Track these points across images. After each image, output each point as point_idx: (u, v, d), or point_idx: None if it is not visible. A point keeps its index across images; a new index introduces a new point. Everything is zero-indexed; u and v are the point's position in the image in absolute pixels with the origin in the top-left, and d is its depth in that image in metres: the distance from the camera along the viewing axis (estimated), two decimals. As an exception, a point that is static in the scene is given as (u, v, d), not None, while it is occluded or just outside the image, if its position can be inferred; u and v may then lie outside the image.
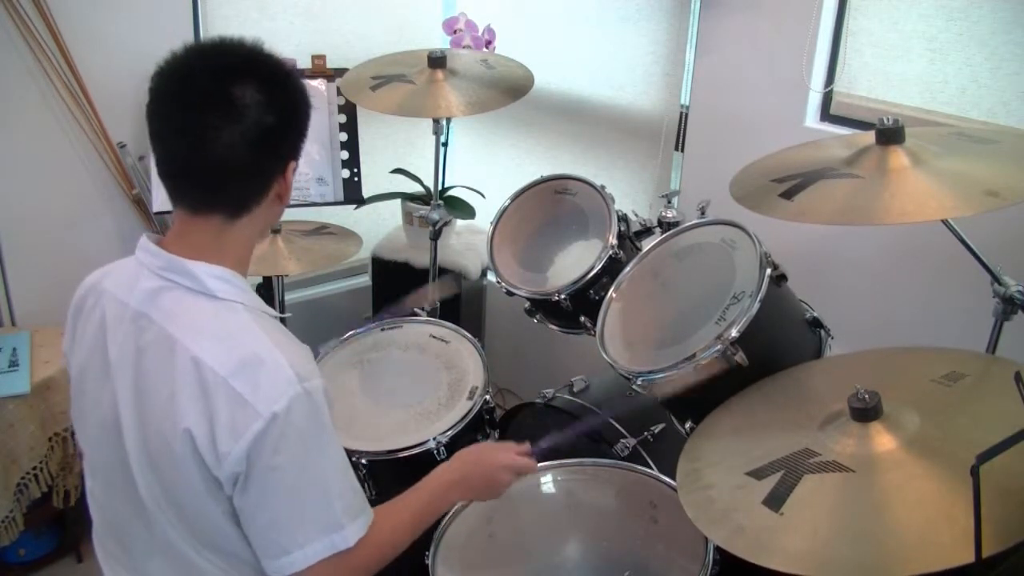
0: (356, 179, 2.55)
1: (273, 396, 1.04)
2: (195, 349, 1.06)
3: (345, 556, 1.10)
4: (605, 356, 1.66)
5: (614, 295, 1.77)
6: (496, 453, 1.37)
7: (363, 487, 1.78)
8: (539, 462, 1.45)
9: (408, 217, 2.92)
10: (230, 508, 1.10)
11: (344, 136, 2.53)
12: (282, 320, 2.44)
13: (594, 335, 1.73)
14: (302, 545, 1.08)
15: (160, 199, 2.35)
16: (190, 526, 1.12)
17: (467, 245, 2.95)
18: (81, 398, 1.20)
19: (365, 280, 3.18)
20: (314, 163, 2.50)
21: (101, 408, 1.15)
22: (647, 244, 1.84)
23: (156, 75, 1.10)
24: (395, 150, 3.12)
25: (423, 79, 2.22)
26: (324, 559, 1.09)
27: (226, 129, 1.06)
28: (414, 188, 2.94)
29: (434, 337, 2.09)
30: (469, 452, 1.38)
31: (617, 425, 1.83)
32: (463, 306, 2.87)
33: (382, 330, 2.13)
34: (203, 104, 1.07)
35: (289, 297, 2.74)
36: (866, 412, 1.18)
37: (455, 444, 1.83)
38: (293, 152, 1.16)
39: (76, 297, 1.23)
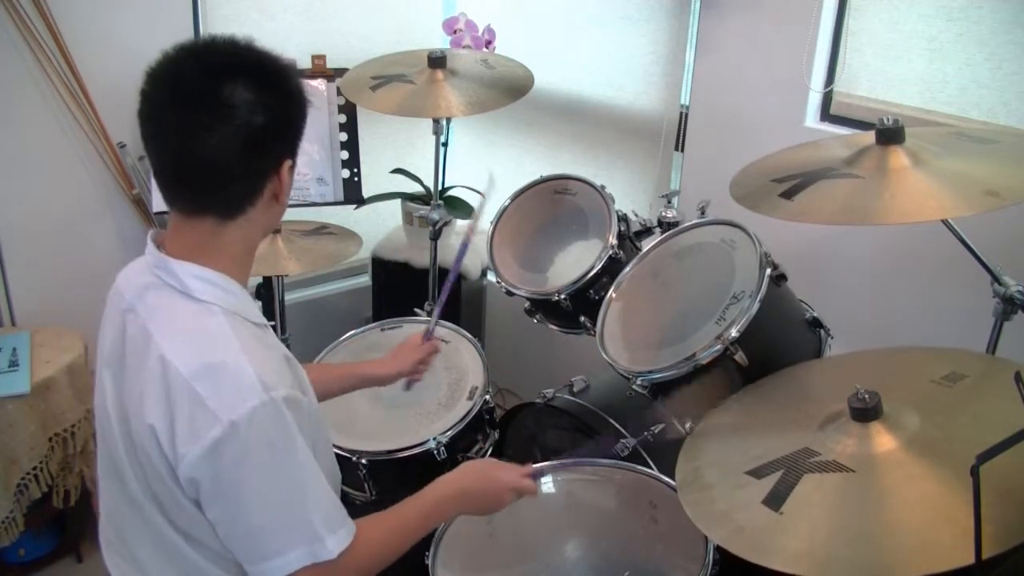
0: (356, 179, 2.54)
1: (234, 404, 1.03)
2: (164, 347, 1.06)
3: (329, 567, 1.09)
4: (605, 356, 1.66)
5: (614, 295, 1.77)
6: (501, 472, 1.36)
7: (363, 487, 1.80)
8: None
9: (408, 217, 2.92)
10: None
11: (344, 136, 2.53)
12: (280, 325, 2.45)
13: (594, 335, 1.73)
14: (282, 552, 1.07)
15: (160, 199, 2.34)
16: (172, 519, 1.12)
17: (467, 245, 2.95)
18: (95, 390, 1.22)
19: (365, 280, 3.18)
20: (314, 163, 2.50)
21: (98, 399, 1.18)
22: (647, 244, 1.84)
23: (147, 76, 1.09)
24: (395, 150, 3.12)
25: (423, 79, 2.22)
26: (306, 567, 1.08)
27: (215, 129, 1.05)
28: (414, 188, 2.94)
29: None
30: (473, 465, 1.38)
31: (617, 425, 1.83)
32: (463, 306, 2.87)
33: (382, 330, 2.13)
34: (192, 104, 1.06)
35: (289, 297, 2.74)
36: (866, 412, 1.18)
37: (455, 444, 1.83)
38: (289, 151, 1.14)
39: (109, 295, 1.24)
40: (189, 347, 1.07)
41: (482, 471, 1.36)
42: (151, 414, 1.05)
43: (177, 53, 1.09)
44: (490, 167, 1.83)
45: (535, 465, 1.41)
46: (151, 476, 1.10)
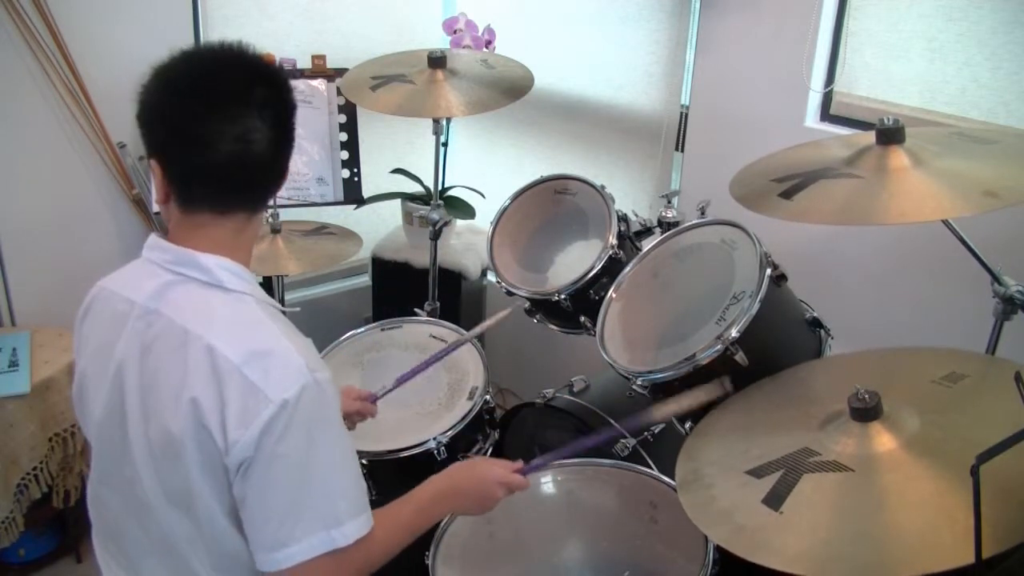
0: (356, 179, 2.55)
1: (284, 384, 1.05)
2: (209, 338, 1.07)
3: (342, 554, 1.09)
4: (605, 356, 1.66)
5: (614, 295, 1.77)
6: (491, 467, 1.36)
7: (363, 487, 1.80)
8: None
9: (408, 217, 2.92)
10: (230, 505, 1.10)
11: (344, 136, 2.54)
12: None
13: (594, 335, 1.73)
14: (300, 539, 1.07)
15: (160, 199, 2.35)
16: (193, 523, 1.12)
17: (467, 245, 2.95)
18: (83, 400, 1.21)
19: (365, 280, 3.19)
20: (314, 163, 2.50)
21: (101, 408, 1.16)
22: (647, 244, 1.84)
23: (159, 80, 1.12)
24: (395, 150, 3.12)
25: (423, 79, 2.22)
26: (321, 555, 1.08)
27: (255, 129, 1.10)
28: (414, 188, 2.94)
29: (434, 337, 2.09)
30: (463, 464, 1.38)
31: (617, 425, 1.83)
32: (463, 306, 2.87)
33: (382, 330, 2.13)
34: (224, 108, 1.09)
35: (289, 297, 2.74)
36: (866, 412, 1.18)
37: (455, 444, 1.83)
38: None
39: (84, 303, 1.23)
40: (234, 335, 1.08)
41: (470, 467, 1.36)
42: (198, 406, 1.05)
43: (184, 58, 1.13)
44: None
45: (530, 462, 1.40)
46: (175, 477, 1.09)
